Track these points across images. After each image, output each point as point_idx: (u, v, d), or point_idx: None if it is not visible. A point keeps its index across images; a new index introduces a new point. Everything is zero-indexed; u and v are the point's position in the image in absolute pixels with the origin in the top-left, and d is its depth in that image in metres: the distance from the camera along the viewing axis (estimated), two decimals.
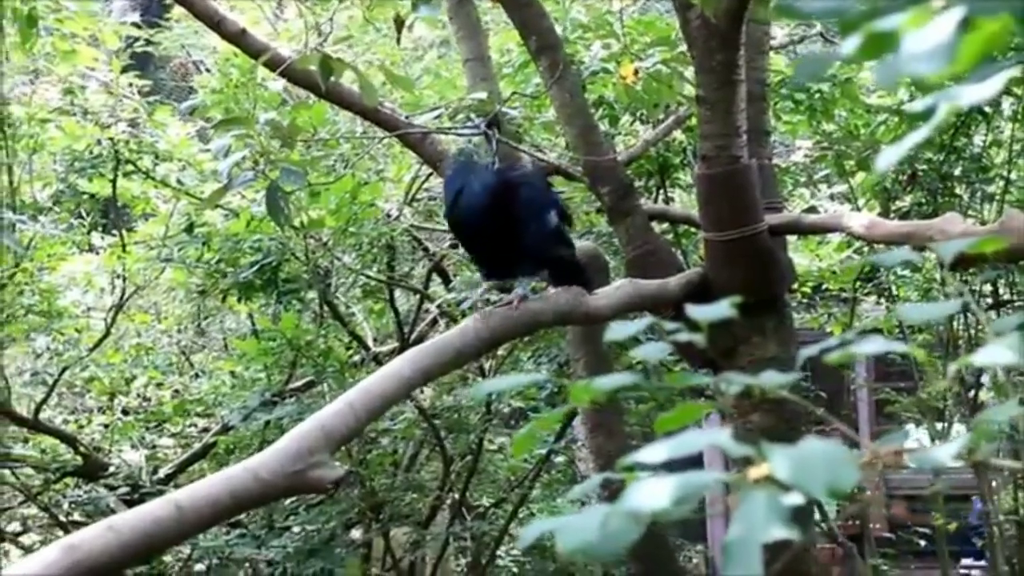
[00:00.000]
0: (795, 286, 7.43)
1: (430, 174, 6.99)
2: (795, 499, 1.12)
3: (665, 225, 6.85)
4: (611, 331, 1.45)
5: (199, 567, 7.56)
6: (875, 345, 1.28)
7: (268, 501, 3.82)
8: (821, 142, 7.65)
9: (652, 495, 1.11)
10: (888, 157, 1.19)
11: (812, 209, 7.95)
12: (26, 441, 8.03)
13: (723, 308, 1.39)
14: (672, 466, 1.20)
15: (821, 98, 6.90)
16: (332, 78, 4.37)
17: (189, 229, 7.43)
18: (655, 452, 1.18)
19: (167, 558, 7.57)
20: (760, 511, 1.08)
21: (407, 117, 5.27)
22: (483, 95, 5.07)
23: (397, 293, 7.89)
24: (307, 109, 6.21)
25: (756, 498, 1.09)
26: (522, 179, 3.57)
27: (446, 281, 7.74)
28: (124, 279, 8.15)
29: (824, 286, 8.75)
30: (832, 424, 1.55)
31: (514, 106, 5.72)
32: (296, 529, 7.44)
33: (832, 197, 8.52)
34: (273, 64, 4.82)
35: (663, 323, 1.46)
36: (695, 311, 1.39)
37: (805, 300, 8.80)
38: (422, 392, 7.47)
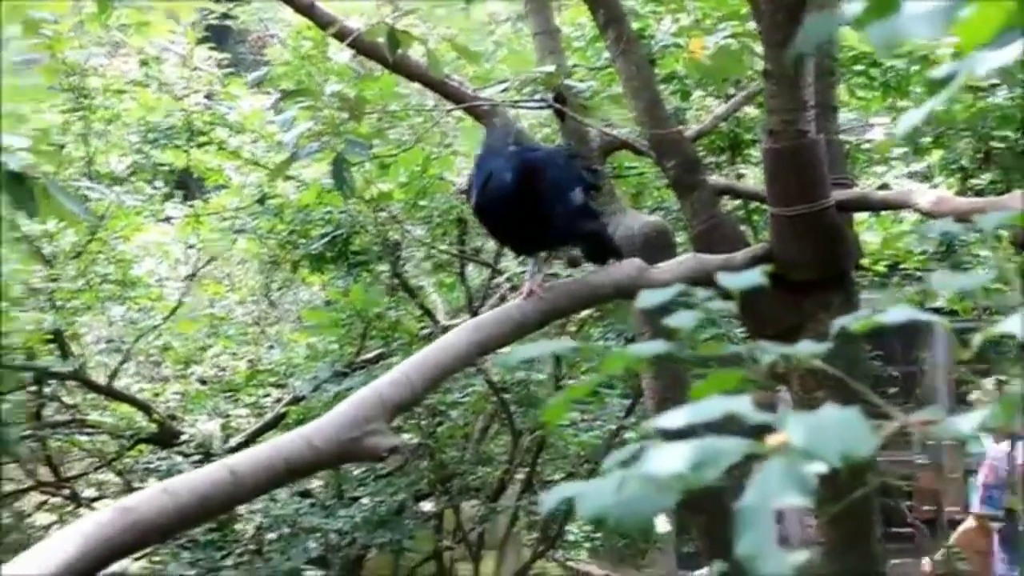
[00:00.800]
0: (868, 264, 7.36)
1: None
2: (817, 467, 1.11)
3: (737, 202, 6.81)
4: (641, 298, 1.45)
5: (270, 535, 7.63)
6: (900, 314, 1.27)
7: (322, 468, 3.85)
8: (896, 119, 7.56)
9: (668, 460, 1.11)
10: (909, 120, 1.18)
11: (884, 187, 7.86)
12: (104, 408, 8.16)
13: (754, 276, 1.38)
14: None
15: (895, 75, 6.80)
16: (399, 50, 4.39)
17: (261, 200, 7.50)
18: (673, 418, 1.18)
19: (239, 526, 7.67)
20: (775, 478, 1.07)
21: (474, 90, 5.27)
22: (551, 68, 5.06)
23: (469, 267, 7.91)
24: (375, 81, 6.23)
25: (773, 465, 1.08)
26: (544, 160, 3.55)
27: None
28: (198, 249, 8.24)
29: (901, 265, 8.65)
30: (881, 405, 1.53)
31: (583, 79, 5.70)
32: (365, 500, 7.49)
33: (910, 175, 8.42)
34: (342, 36, 4.86)
35: (695, 291, 1.45)
36: (726, 279, 1.38)
37: (879, 279, 8.71)
38: (494, 366, 7.49)
